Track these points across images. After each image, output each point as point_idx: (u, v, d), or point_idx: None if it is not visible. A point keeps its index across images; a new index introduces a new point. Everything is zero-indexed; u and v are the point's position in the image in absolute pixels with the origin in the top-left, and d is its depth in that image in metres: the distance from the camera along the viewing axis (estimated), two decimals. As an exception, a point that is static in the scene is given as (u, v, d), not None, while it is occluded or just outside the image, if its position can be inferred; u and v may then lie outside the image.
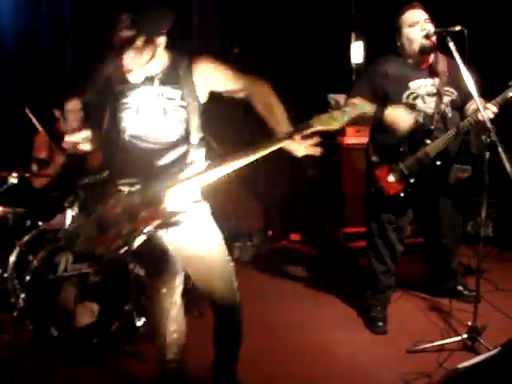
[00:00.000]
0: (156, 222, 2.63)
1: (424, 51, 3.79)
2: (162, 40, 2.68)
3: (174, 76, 2.74)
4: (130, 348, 3.70)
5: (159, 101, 2.73)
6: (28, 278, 3.60)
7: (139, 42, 2.58)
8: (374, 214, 4.06)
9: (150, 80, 2.72)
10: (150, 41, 2.62)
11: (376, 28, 6.61)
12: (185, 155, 2.74)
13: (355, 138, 5.44)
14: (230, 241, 5.64)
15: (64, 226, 3.66)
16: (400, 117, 3.69)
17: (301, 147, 2.82)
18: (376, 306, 4.08)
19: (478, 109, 3.45)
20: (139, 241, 2.62)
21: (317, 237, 6.04)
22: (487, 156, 3.40)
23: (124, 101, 2.74)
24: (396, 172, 3.81)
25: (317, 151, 2.84)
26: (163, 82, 2.73)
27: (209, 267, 2.91)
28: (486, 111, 3.49)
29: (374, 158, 3.94)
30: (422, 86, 3.83)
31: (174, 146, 2.74)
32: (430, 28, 3.72)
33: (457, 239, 4.33)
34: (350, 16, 7.20)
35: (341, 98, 5.76)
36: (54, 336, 3.62)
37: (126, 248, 2.62)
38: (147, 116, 2.73)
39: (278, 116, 2.89)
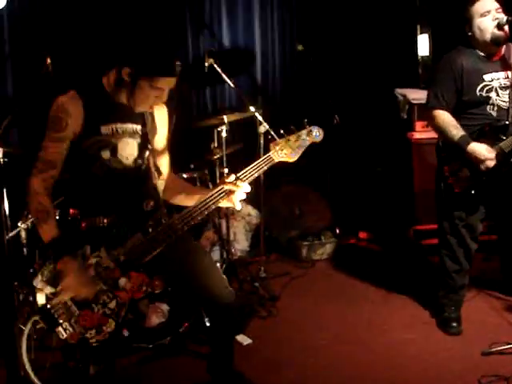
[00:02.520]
0: (144, 288, 2.66)
1: (496, 41, 3.68)
2: None
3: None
4: (199, 348, 3.71)
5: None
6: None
7: None
8: (445, 212, 3.94)
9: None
10: None
11: (441, 20, 6.48)
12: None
13: (425, 133, 5.31)
14: (299, 239, 5.68)
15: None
16: (483, 155, 3.59)
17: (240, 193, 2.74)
18: (449, 305, 3.98)
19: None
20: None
21: (386, 234, 5.95)
22: None
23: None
24: (467, 168, 3.69)
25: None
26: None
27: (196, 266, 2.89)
28: None
29: (444, 155, 3.84)
30: (495, 79, 3.72)
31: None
32: (503, 17, 3.61)
33: None
34: (416, 8, 7.08)
35: (408, 92, 5.66)
36: (125, 336, 3.66)
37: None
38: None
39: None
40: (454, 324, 3.89)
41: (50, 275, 2.65)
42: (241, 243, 5.59)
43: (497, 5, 3.67)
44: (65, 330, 2.63)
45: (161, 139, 3.01)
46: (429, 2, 6.95)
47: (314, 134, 2.81)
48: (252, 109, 4.46)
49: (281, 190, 6.03)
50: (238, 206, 2.75)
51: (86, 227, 2.73)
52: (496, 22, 3.62)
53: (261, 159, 2.74)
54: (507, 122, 3.65)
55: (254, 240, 5.67)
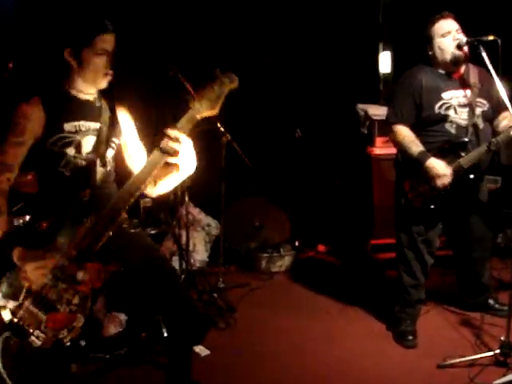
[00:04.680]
0: (103, 275, 2.64)
1: (456, 61, 3.77)
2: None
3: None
4: (157, 359, 3.68)
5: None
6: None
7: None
8: (404, 226, 4.00)
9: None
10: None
11: (403, 38, 6.60)
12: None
13: (384, 149, 5.38)
14: (258, 251, 5.69)
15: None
16: (441, 171, 3.66)
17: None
18: (406, 319, 4.02)
19: (511, 126, 3.43)
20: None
21: (344, 248, 5.99)
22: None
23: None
24: (426, 183, 3.76)
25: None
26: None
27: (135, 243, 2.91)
28: None
29: (404, 170, 3.90)
30: (454, 97, 3.80)
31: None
32: (462, 38, 3.70)
33: (487, 252, 4.24)
34: (378, 26, 7.19)
35: (369, 107, 5.73)
36: (81, 346, 3.61)
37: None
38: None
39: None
40: (410, 337, 3.93)
41: (9, 289, 2.62)
42: (200, 254, 5.58)
43: (457, 26, 3.76)
44: (37, 337, 2.60)
45: (131, 141, 3.04)
46: (391, 20, 7.07)
47: (227, 81, 2.60)
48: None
49: (241, 202, 6.04)
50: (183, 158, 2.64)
51: (46, 228, 2.73)
52: (456, 43, 3.71)
53: (184, 117, 2.59)
54: (466, 140, 3.73)
55: (213, 251, 5.67)
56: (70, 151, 2.78)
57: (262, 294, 5.04)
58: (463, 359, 3.52)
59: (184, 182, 3.04)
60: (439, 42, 3.79)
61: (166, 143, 2.51)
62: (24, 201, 3.91)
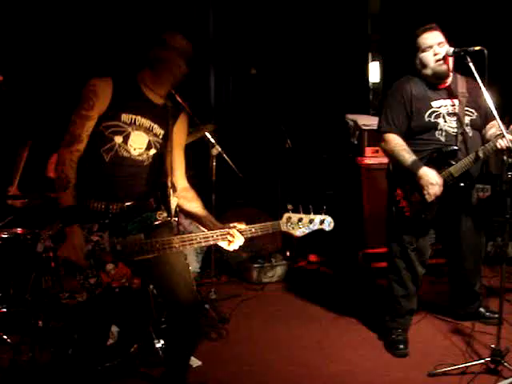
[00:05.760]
0: (124, 280, 2.83)
1: (437, 76, 3.83)
2: None
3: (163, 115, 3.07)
4: (149, 371, 3.67)
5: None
6: (47, 299, 3.59)
7: None
8: (395, 235, 4.01)
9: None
10: None
11: (392, 48, 6.65)
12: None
13: (374, 159, 5.42)
14: (249, 262, 5.70)
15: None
16: (433, 180, 3.68)
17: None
18: (396, 329, 4.03)
19: (498, 135, 3.46)
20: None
21: (336, 258, 6.01)
22: (509, 176, 3.37)
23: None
24: (418, 192, 3.78)
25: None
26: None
27: (171, 269, 2.97)
28: (507, 138, 3.46)
29: (395, 179, 3.93)
30: (443, 105, 3.84)
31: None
32: (446, 50, 3.72)
33: (479, 261, 4.23)
34: (367, 37, 7.24)
35: (358, 118, 5.76)
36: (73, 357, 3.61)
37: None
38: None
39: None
40: (401, 346, 3.93)
41: (54, 232, 2.85)
42: (192, 265, 5.57)
43: (440, 39, 3.78)
44: (46, 280, 2.80)
45: (177, 153, 3.20)
46: (380, 31, 7.12)
47: (325, 223, 3.11)
48: (206, 132, 4.49)
49: (232, 213, 6.04)
50: (229, 248, 3.02)
51: (97, 208, 2.91)
52: (437, 57, 3.75)
53: (270, 223, 3.05)
54: (456, 147, 3.76)
55: (204, 262, 5.68)
56: (118, 139, 2.90)
57: (254, 305, 5.05)
58: (454, 367, 3.52)
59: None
60: (421, 56, 3.84)
61: (233, 235, 2.98)
62: (13, 214, 3.95)
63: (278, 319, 4.64)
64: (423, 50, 3.81)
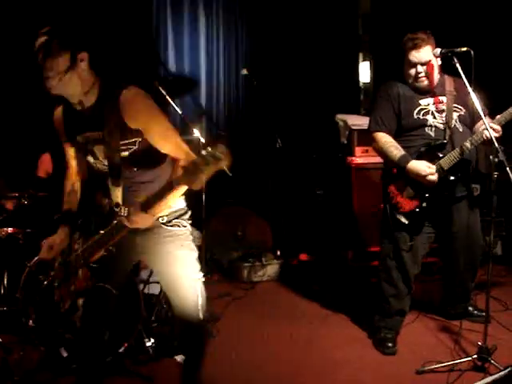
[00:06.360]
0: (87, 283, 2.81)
1: (419, 90, 3.92)
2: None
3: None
4: (139, 369, 3.70)
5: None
6: (38, 298, 3.62)
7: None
8: (388, 234, 4.01)
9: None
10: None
11: (382, 49, 6.68)
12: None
13: (364, 158, 5.46)
14: (240, 261, 5.72)
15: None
16: (424, 170, 3.71)
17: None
18: (385, 327, 4.04)
19: (485, 128, 3.48)
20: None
21: (326, 256, 6.03)
22: (495, 176, 3.41)
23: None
24: (410, 186, 3.82)
25: None
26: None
27: (174, 283, 2.92)
28: (490, 130, 3.49)
29: (388, 176, 3.96)
30: (431, 103, 3.89)
31: None
32: (437, 50, 3.75)
33: (474, 261, 4.19)
34: (358, 37, 7.27)
35: (348, 117, 5.78)
36: (63, 356, 3.63)
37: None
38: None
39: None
40: (390, 344, 3.95)
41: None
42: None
43: (426, 58, 3.81)
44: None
45: None
46: (370, 31, 7.15)
47: (210, 160, 2.39)
48: (196, 132, 4.51)
49: (222, 212, 6.07)
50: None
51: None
52: (418, 77, 3.85)
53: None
54: (444, 141, 3.80)
55: (195, 261, 5.67)
56: (90, 159, 2.82)
57: (244, 304, 5.07)
58: (442, 365, 3.55)
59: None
60: (406, 68, 3.92)
61: None
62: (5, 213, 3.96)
63: (268, 318, 4.66)
64: (408, 65, 3.88)
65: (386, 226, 4.04)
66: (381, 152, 3.95)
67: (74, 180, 2.98)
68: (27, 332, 3.65)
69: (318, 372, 3.71)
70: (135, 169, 2.77)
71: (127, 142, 2.70)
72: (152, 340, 3.82)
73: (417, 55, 3.82)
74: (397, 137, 3.93)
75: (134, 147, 2.71)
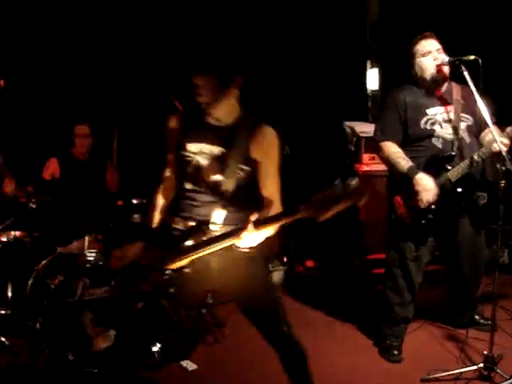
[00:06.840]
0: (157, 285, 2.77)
1: (435, 81, 3.86)
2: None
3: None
4: (146, 374, 3.70)
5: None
6: (45, 302, 3.63)
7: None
8: (394, 243, 4.02)
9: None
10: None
11: (390, 56, 6.68)
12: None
13: (372, 165, 5.46)
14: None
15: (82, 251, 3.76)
16: (427, 186, 3.70)
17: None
18: (391, 335, 4.05)
19: (494, 140, 3.48)
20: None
21: (332, 263, 6.03)
22: (502, 184, 3.41)
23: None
24: (416, 198, 3.81)
25: None
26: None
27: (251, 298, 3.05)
28: (499, 143, 3.48)
29: (395, 186, 3.95)
30: (438, 113, 3.87)
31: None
32: (442, 58, 3.77)
33: (479, 269, 4.20)
34: (366, 44, 7.27)
35: (356, 125, 5.79)
36: (70, 360, 3.64)
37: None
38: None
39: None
40: (395, 352, 3.96)
41: None
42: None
43: (438, 46, 3.83)
44: None
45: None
46: (378, 39, 7.15)
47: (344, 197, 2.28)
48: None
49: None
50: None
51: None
52: (437, 62, 3.79)
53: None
54: (453, 153, 3.79)
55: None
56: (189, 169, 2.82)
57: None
58: (448, 373, 3.55)
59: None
60: (420, 61, 3.88)
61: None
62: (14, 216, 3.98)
63: (274, 324, 4.65)
64: (423, 55, 3.85)
65: (392, 235, 4.05)
66: (387, 162, 3.94)
67: (169, 195, 2.96)
68: (34, 336, 3.66)
69: (323, 380, 3.69)
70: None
71: (241, 166, 2.81)
72: (158, 345, 3.82)
73: (429, 42, 3.84)
74: (403, 146, 3.91)
75: (242, 174, 2.81)
